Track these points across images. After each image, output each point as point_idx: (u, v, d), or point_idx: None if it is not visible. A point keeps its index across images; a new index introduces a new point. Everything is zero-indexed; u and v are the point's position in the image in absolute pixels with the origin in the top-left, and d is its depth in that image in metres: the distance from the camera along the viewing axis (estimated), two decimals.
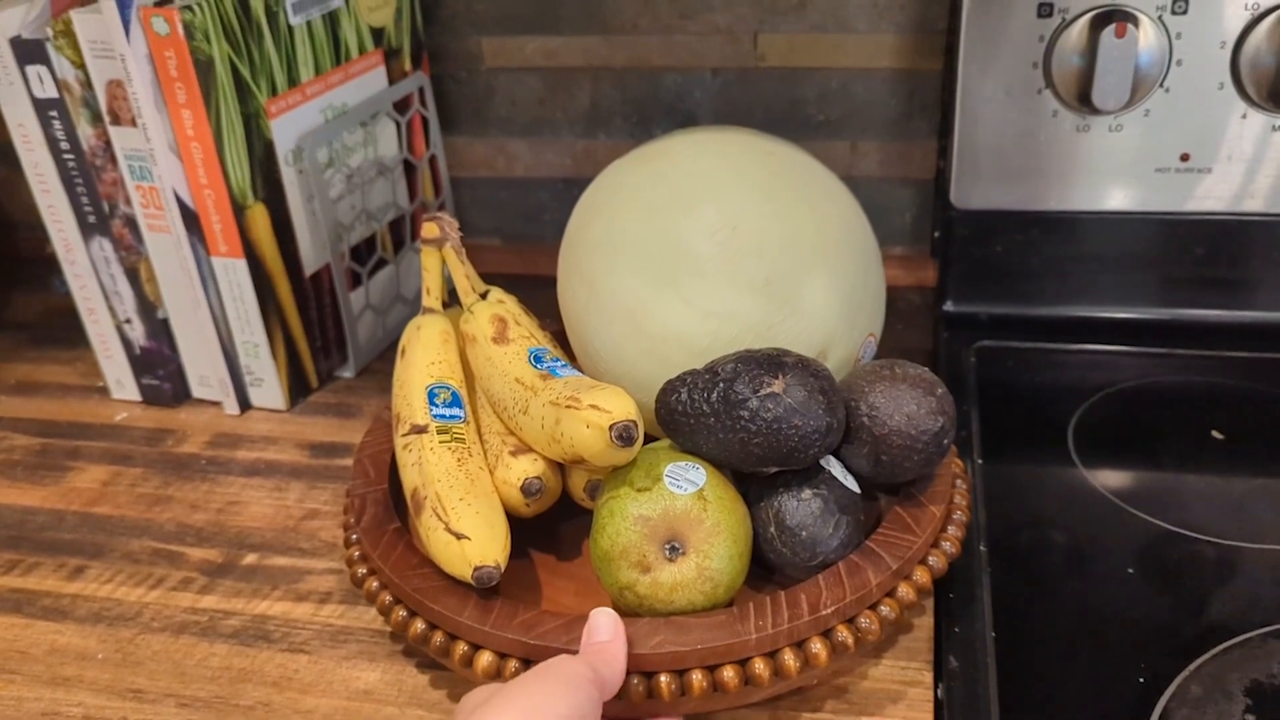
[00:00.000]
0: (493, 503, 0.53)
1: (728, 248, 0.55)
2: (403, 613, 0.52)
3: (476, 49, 0.88)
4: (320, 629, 0.57)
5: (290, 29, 0.71)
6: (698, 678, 0.46)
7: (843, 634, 0.48)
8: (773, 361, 0.50)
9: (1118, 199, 0.71)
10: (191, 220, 0.69)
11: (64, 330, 0.87)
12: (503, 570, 0.50)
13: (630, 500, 0.49)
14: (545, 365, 0.57)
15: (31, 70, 0.68)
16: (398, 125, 0.82)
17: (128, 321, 0.75)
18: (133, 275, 0.74)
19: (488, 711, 0.40)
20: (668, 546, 0.49)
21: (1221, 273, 0.73)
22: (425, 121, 0.85)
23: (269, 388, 0.76)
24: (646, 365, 0.56)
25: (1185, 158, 0.69)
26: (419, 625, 0.51)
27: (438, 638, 0.50)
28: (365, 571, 0.55)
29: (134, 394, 0.78)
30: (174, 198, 0.68)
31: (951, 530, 0.54)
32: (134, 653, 0.57)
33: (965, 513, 0.55)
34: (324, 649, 0.56)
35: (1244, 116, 0.67)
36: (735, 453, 0.50)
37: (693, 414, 0.50)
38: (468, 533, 0.51)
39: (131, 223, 0.72)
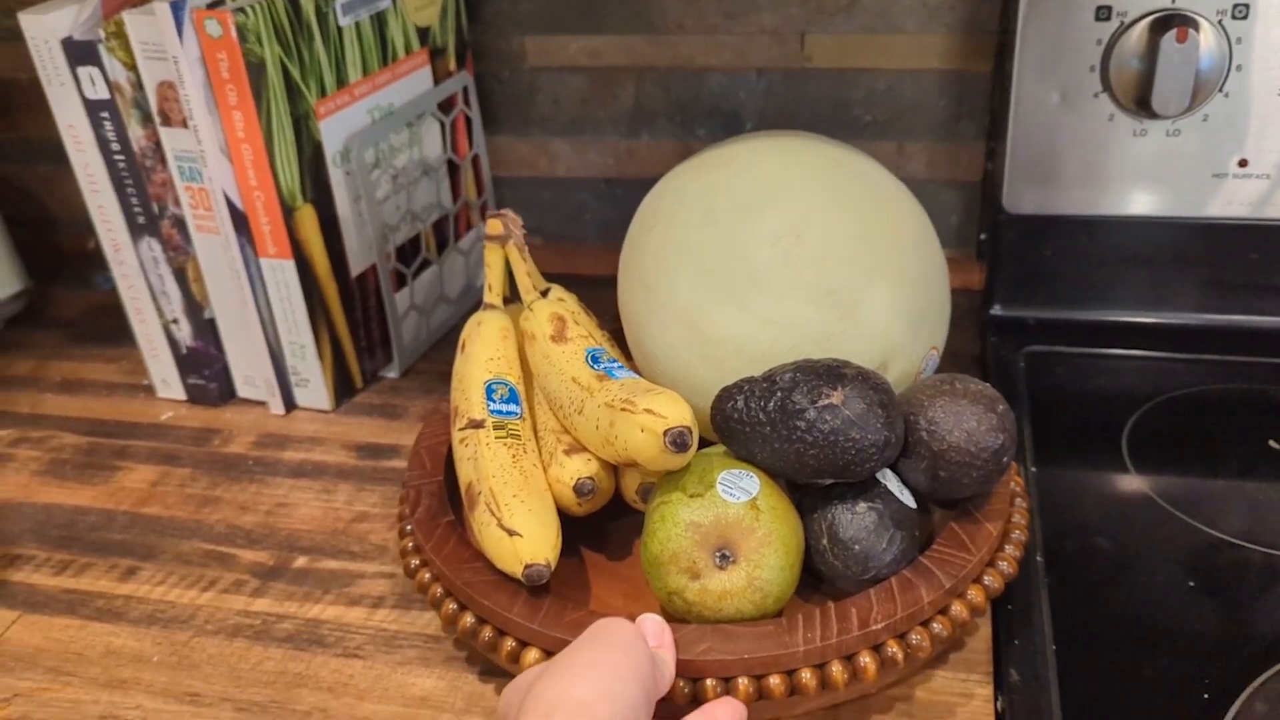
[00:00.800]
0: (545, 501, 0.54)
1: (790, 256, 0.55)
2: (453, 606, 0.52)
3: (520, 48, 0.87)
4: (374, 633, 0.57)
5: (339, 30, 0.70)
6: (744, 684, 0.46)
7: (893, 649, 0.48)
8: (832, 372, 0.50)
9: (1173, 204, 0.71)
10: (241, 221, 0.69)
11: (108, 327, 0.88)
12: (553, 568, 0.51)
13: (682, 506, 0.49)
14: (602, 366, 0.57)
15: (83, 71, 0.68)
16: (442, 125, 0.81)
17: (174, 321, 0.76)
18: (180, 275, 0.74)
19: (548, 679, 0.39)
20: (718, 554, 0.49)
21: (1277, 279, 0.72)
22: (469, 121, 0.85)
23: (314, 388, 0.76)
24: (703, 370, 0.56)
25: (1244, 164, 0.68)
26: (468, 619, 0.51)
27: (486, 632, 0.51)
28: (418, 563, 0.55)
29: (179, 393, 0.79)
30: (224, 199, 0.68)
31: (1009, 550, 0.53)
32: (189, 655, 0.57)
33: (1024, 531, 0.54)
34: (379, 654, 0.56)
35: None
36: (790, 463, 0.50)
37: (749, 422, 0.50)
38: (520, 530, 0.51)
39: (180, 223, 0.72)
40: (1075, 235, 0.74)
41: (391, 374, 0.80)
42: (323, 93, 0.70)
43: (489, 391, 0.59)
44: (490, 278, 0.65)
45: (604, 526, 0.59)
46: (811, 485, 0.52)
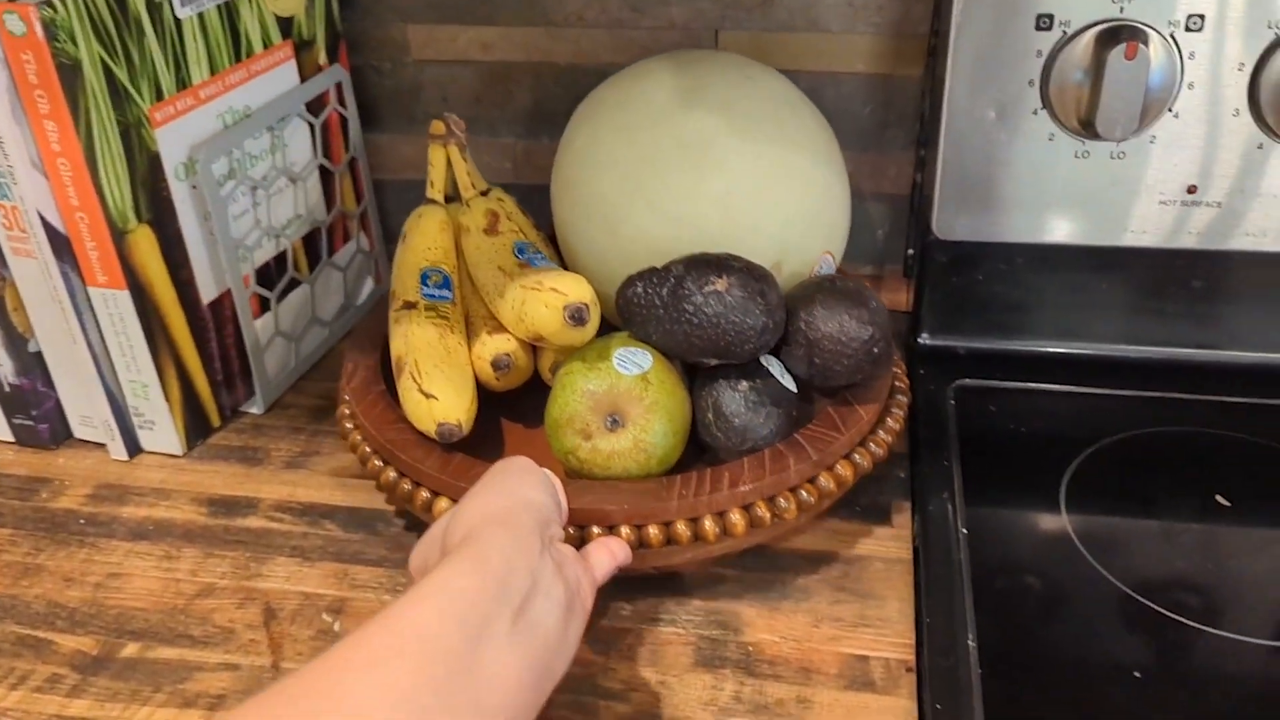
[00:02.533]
0: (465, 373, 0.60)
1: (692, 161, 0.60)
2: (377, 461, 0.58)
3: (402, 37, 0.78)
4: None
5: (177, 22, 0.61)
6: (625, 532, 0.52)
7: (760, 510, 0.54)
8: (720, 263, 0.55)
9: (1115, 232, 0.64)
10: (62, 246, 0.60)
11: None
12: (465, 430, 0.57)
13: (580, 375, 0.55)
14: (526, 256, 0.63)
15: None
16: (311, 127, 0.72)
17: None
18: None
19: (466, 505, 0.45)
20: (609, 419, 0.55)
21: (1225, 311, 0.66)
22: (344, 121, 0.76)
23: (162, 430, 0.66)
24: (617, 264, 0.61)
25: (1192, 190, 0.62)
26: (390, 474, 0.57)
27: (404, 485, 0.56)
28: (351, 426, 0.61)
29: (5, 434, 0.69)
30: (39, 220, 0.59)
31: (881, 434, 0.58)
32: None
33: (899, 420, 0.60)
34: None
35: (1260, 147, 0.61)
36: (680, 343, 0.56)
37: (645, 305, 0.56)
38: (436, 394, 0.57)
39: None
40: (1010, 262, 0.67)
41: (254, 409, 0.71)
42: (159, 96, 0.60)
43: (424, 278, 0.64)
44: (432, 174, 0.69)
45: (522, 401, 0.64)
46: (701, 365, 0.57)
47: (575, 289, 0.57)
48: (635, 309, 0.57)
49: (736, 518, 0.53)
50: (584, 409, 0.55)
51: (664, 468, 0.55)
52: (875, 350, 0.57)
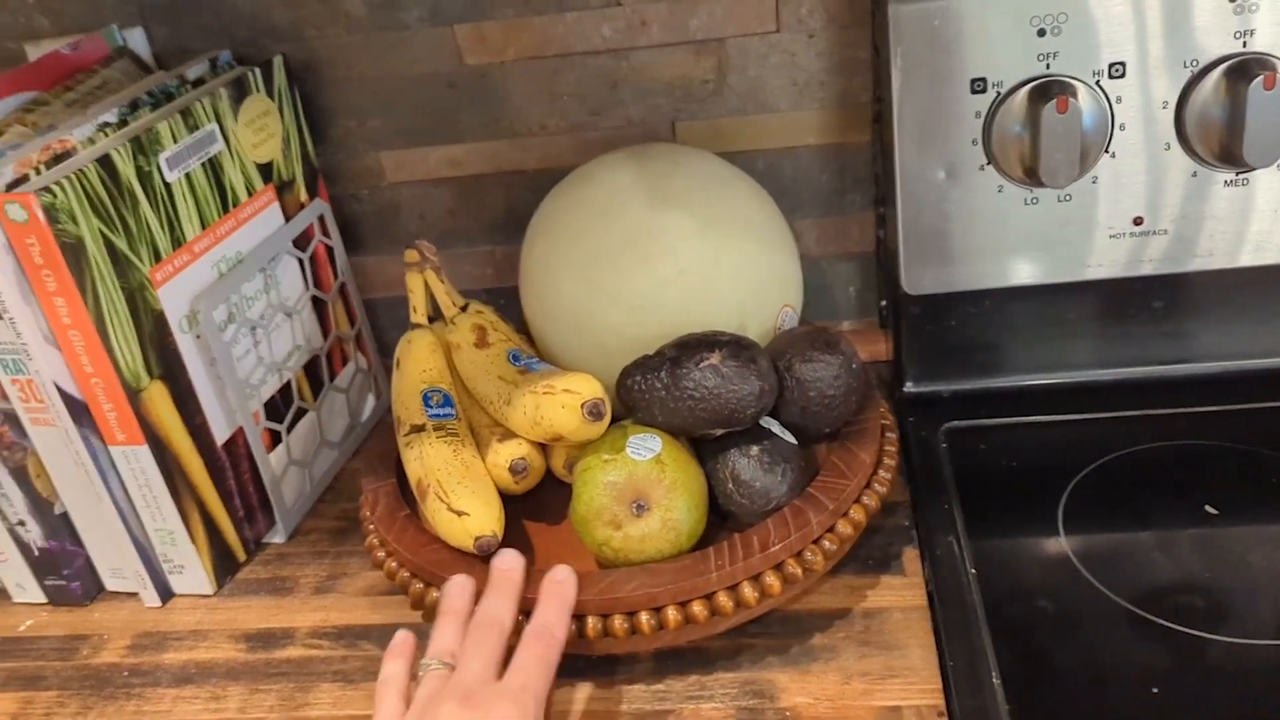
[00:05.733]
0: (487, 484, 0.62)
1: (642, 251, 0.64)
2: (419, 585, 0.60)
3: (376, 165, 0.81)
4: None
5: (167, 186, 0.64)
6: (672, 613, 0.55)
7: (791, 567, 0.56)
8: (707, 341, 0.60)
9: (1073, 268, 0.68)
10: (80, 411, 0.62)
11: None
12: (500, 539, 0.58)
13: (599, 469, 0.58)
14: (522, 363, 0.66)
15: None
16: (300, 262, 0.75)
17: (21, 524, 0.68)
18: (20, 474, 0.66)
19: None
20: (634, 505, 0.57)
21: (1189, 327, 0.70)
22: (330, 250, 0.79)
23: (191, 573, 0.68)
24: (593, 359, 0.66)
25: (1139, 221, 0.66)
26: (433, 594, 0.58)
27: None
28: (384, 554, 0.62)
29: (38, 596, 0.71)
30: (56, 391, 0.61)
31: (881, 473, 0.62)
32: None
33: (893, 457, 0.63)
34: None
35: (1194, 175, 0.65)
36: (686, 420, 0.58)
37: (646, 390, 0.59)
38: (467, 510, 0.59)
39: (12, 418, 0.64)
40: (980, 306, 0.71)
41: (277, 539, 0.73)
42: (157, 258, 0.63)
43: (426, 399, 0.66)
44: (413, 300, 0.73)
45: (542, 500, 0.66)
46: (706, 437, 0.61)
47: (587, 387, 0.59)
48: (637, 396, 0.59)
49: (771, 579, 0.56)
50: (609, 501, 0.57)
51: (692, 542, 0.58)
52: (854, 399, 0.62)
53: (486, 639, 0.51)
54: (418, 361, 0.69)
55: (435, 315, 0.73)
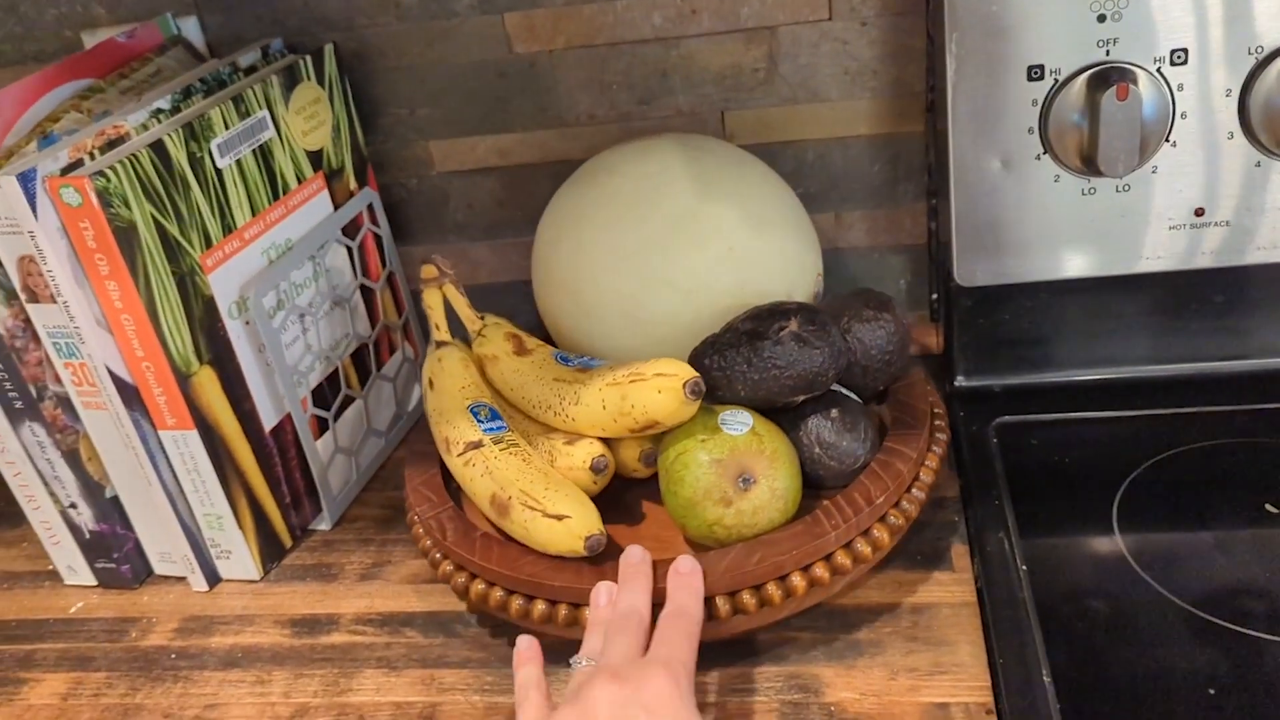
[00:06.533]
0: (571, 486, 0.60)
1: (690, 234, 0.65)
2: (519, 601, 0.57)
3: (425, 154, 0.82)
4: None
5: (219, 172, 0.64)
6: (797, 579, 0.55)
7: (894, 517, 0.58)
8: (777, 309, 0.60)
9: (1130, 260, 0.67)
10: (131, 395, 0.63)
11: (2, 504, 0.80)
12: (605, 536, 0.57)
13: (698, 450, 0.57)
14: (575, 362, 0.65)
15: None
16: (349, 250, 0.75)
17: (73, 506, 0.68)
18: (72, 457, 0.67)
19: None
20: (741, 480, 0.57)
21: (1249, 322, 0.68)
22: (378, 239, 0.79)
23: (239, 558, 0.69)
24: (643, 348, 0.65)
25: (1200, 212, 0.64)
26: (540, 606, 0.56)
27: (562, 612, 0.56)
28: (465, 579, 0.59)
29: (89, 579, 0.72)
30: (108, 374, 0.62)
31: (937, 423, 0.64)
32: None
33: (941, 405, 0.66)
34: None
35: (1258, 165, 0.63)
36: (771, 390, 0.58)
37: (727, 367, 0.59)
38: (567, 512, 0.57)
39: (65, 402, 0.65)
40: (1034, 299, 0.69)
41: (323, 526, 0.74)
42: (208, 244, 0.64)
43: (475, 414, 0.64)
44: (435, 318, 0.70)
45: (616, 499, 0.64)
46: (789, 407, 0.61)
47: (679, 368, 0.58)
48: (717, 376, 0.59)
49: (880, 531, 0.57)
50: (715, 479, 0.56)
51: (795, 509, 0.58)
52: (906, 338, 0.63)
53: (627, 625, 0.51)
54: (455, 378, 0.67)
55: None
